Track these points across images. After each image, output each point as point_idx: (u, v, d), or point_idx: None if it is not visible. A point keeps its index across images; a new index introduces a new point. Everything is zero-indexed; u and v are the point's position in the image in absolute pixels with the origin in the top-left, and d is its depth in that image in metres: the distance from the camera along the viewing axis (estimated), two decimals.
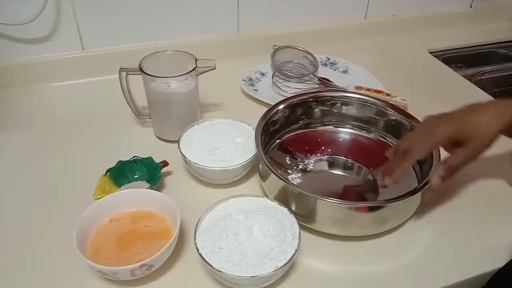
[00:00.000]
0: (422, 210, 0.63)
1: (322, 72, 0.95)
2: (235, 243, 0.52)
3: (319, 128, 0.75)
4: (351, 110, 0.74)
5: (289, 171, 0.69)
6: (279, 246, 0.52)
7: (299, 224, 0.55)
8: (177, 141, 0.67)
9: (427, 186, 0.57)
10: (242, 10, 0.96)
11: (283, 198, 0.59)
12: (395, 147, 0.62)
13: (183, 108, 0.73)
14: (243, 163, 0.64)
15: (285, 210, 0.56)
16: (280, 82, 0.89)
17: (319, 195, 0.55)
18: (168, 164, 0.67)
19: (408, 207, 0.60)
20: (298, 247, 0.52)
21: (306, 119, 0.75)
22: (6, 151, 0.73)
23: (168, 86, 0.69)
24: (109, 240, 0.55)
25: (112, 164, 0.66)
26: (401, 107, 0.73)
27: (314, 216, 0.58)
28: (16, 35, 0.84)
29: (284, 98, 0.72)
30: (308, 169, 0.70)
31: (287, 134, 0.74)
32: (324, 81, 0.90)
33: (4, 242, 0.58)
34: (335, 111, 0.75)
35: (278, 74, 0.90)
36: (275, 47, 0.95)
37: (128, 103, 0.75)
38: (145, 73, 0.68)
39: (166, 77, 0.68)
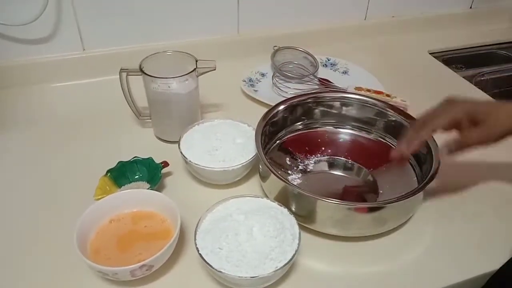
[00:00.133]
0: (422, 210, 0.63)
1: (322, 73, 0.95)
2: (235, 243, 0.52)
3: (319, 129, 0.75)
4: (351, 111, 0.74)
5: (289, 171, 0.69)
6: (279, 246, 0.52)
7: (299, 224, 0.55)
8: (178, 142, 0.67)
9: (426, 186, 0.57)
10: (242, 11, 0.96)
11: (283, 199, 0.59)
12: (415, 120, 0.62)
13: (184, 109, 0.73)
14: (243, 164, 0.64)
15: (285, 210, 0.57)
16: (280, 83, 0.89)
17: (319, 195, 0.55)
18: (168, 165, 0.67)
19: (408, 208, 0.60)
20: (298, 247, 0.52)
21: (306, 120, 0.75)
22: (6, 152, 0.73)
23: (169, 86, 0.69)
24: (109, 240, 0.55)
25: (113, 164, 0.66)
26: (401, 108, 0.73)
27: (314, 216, 0.58)
28: (17, 36, 0.84)
29: (284, 98, 0.72)
30: (308, 170, 0.70)
31: (287, 134, 0.74)
32: (324, 82, 0.90)
33: (5, 242, 0.58)
34: (335, 111, 0.75)
35: (278, 75, 0.90)
36: (275, 48, 0.95)
37: (128, 104, 0.75)
38: (145, 73, 0.68)
39: (166, 78, 0.68)
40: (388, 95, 0.84)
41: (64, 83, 0.89)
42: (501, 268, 0.56)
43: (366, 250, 0.59)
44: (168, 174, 0.69)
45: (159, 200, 0.58)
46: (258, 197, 0.59)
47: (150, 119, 0.76)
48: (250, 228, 0.53)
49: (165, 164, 0.67)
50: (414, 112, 0.71)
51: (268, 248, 0.51)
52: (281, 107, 0.71)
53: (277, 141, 0.73)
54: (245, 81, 0.90)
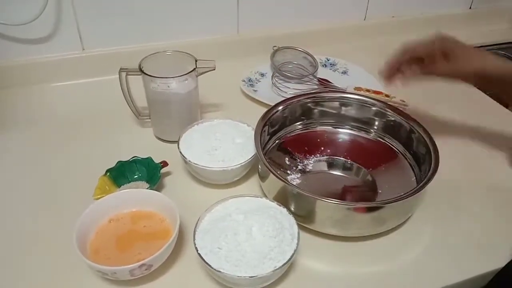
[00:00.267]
0: (421, 210, 0.63)
1: (322, 73, 0.95)
2: (234, 243, 0.52)
3: (318, 129, 0.76)
4: (351, 111, 0.74)
5: (288, 171, 0.69)
6: (278, 246, 0.52)
7: (298, 224, 0.55)
8: (177, 142, 0.67)
9: (425, 186, 0.57)
10: (242, 11, 0.97)
11: (282, 199, 0.59)
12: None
13: (183, 109, 0.73)
14: (243, 164, 0.64)
15: (284, 210, 0.57)
16: (279, 83, 0.89)
17: (318, 195, 0.55)
18: (167, 165, 0.67)
19: (407, 208, 0.60)
20: (297, 247, 0.52)
21: (305, 120, 0.75)
22: (6, 152, 0.73)
23: (168, 86, 0.69)
24: (109, 240, 0.55)
25: (112, 164, 0.66)
26: (400, 108, 0.73)
27: (313, 216, 0.58)
28: (17, 35, 0.84)
29: (283, 98, 0.73)
30: (307, 170, 0.70)
31: (287, 134, 0.74)
32: (323, 82, 0.91)
33: (5, 242, 0.58)
34: (335, 112, 0.75)
35: (277, 75, 0.90)
36: (275, 48, 0.95)
37: (128, 104, 0.75)
38: (145, 73, 0.69)
39: (166, 78, 0.68)
40: (387, 95, 0.84)
41: (64, 82, 0.89)
42: (503, 268, 0.56)
43: (365, 250, 0.59)
44: (168, 174, 0.69)
45: (158, 200, 0.58)
46: (257, 197, 0.59)
47: (150, 119, 0.76)
48: (249, 228, 0.53)
49: (164, 164, 0.67)
50: (413, 112, 0.71)
51: (267, 248, 0.51)
52: (281, 107, 0.71)
53: (277, 141, 0.73)
54: (244, 81, 0.90)
